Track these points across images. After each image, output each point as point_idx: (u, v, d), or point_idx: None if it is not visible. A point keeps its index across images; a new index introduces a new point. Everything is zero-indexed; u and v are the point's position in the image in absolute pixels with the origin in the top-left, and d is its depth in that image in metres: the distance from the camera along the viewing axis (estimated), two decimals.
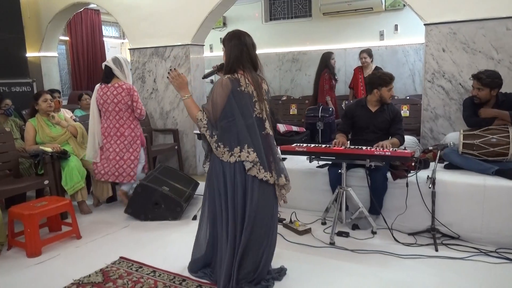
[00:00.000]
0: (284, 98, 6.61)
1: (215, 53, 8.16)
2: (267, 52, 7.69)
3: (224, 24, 7.97)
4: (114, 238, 3.30)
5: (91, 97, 5.52)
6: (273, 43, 7.63)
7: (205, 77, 2.78)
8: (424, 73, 4.02)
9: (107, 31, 9.20)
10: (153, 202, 3.61)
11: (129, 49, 5.66)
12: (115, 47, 9.54)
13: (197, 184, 4.16)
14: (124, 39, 9.55)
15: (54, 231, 3.42)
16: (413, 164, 3.26)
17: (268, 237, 2.39)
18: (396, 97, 5.40)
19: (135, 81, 5.54)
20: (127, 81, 3.92)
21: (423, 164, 3.29)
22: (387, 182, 3.24)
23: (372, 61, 5.51)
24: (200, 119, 2.29)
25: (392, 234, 3.09)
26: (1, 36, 5.57)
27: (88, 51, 8.40)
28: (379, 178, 3.21)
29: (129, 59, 5.32)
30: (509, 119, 3.12)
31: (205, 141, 2.38)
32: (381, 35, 6.72)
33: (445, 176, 3.10)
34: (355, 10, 6.67)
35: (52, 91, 4.74)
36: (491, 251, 2.81)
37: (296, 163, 3.81)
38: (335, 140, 3.34)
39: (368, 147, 3.10)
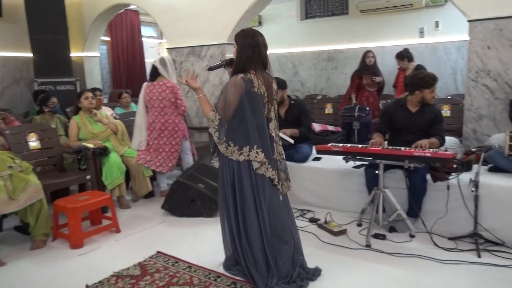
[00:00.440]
0: (319, 97, 6.54)
1: None
2: (302, 50, 7.65)
3: (260, 23, 7.98)
4: (151, 233, 3.39)
5: (130, 95, 5.75)
6: (308, 41, 7.57)
7: (211, 69, 2.79)
8: (467, 72, 3.86)
9: (145, 31, 9.44)
10: (189, 199, 3.68)
11: (167, 48, 5.79)
12: (153, 47, 9.77)
13: None
14: (161, 39, 9.78)
15: (95, 224, 3.55)
16: (454, 166, 3.14)
17: (289, 230, 2.44)
18: (436, 97, 5.22)
19: None
20: (171, 80, 4.13)
21: (465, 166, 3.16)
22: (427, 184, 3.14)
23: (410, 61, 5.38)
24: (212, 119, 2.32)
25: (432, 238, 2.98)
26: (47, 37, 5.84)
27: (128, 51, 8.65)
28: (418, 180, 3.11)
29: None
30: None
31: (212, 140, 2.39)
32: (421, 32, 6.51)
33: (489, 179, 2.97)
34: (394, 7, 6.51)
35: (93, 90, 4.94)
36: None
37: (331, 163, 3.76)
38: (372, 140, 3.28)
39: (407, 148, 3.02)
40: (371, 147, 3.13)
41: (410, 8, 6.43)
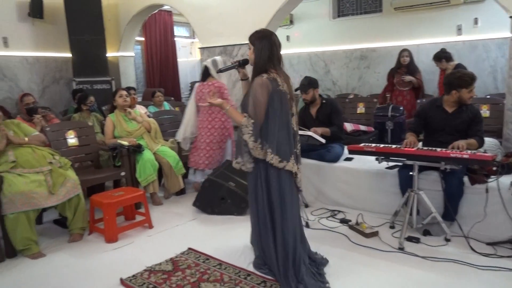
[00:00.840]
0: (351, 96, 6.44)
1: (282, 50, 8.14)
2: (334, 49, 7.54)
3: (291, 22, 7.94)
4: (182, 229, 3.45)
5: (163, 94, 5.88)
6: (340, 40, 7.46)
7: (220, 71, 2.77)
8: (508, 70, 3.70)
9: (178, 31, 9.60)
10: (219, 197, 3.72)
11: (199, 48, 5.86)
12: (185, 47, 9.92)
13: None
14: (194, 38, 9.91)
15: (129, 219, 3.65)
16: (494, 168, 3.02)
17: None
18: (475, 96, 5.03)
19: None
20: (220, 80, 4.26)
21: (505, 168, 3.02)
22: (464, 187, 3.03)
23: (448, 61, 5.22)
24: (246, 125, 2.33)
25: (469, 243, 2.88)
26: (85, 37, 6.05)
27: (161, 50, 8.83)
28: (455, 182, 3.01)
29: (198, 58, 5.51)
30: None
31: (246, 147, 2.37)
32: (459, 29, 6.27)
33: None
34: (430, 3, 6.30)
35: (128, 88, 5.07)
36: None
37: (363, 164, 3.70)
38: (405, 140, 3.19)
39: (443, 149, 2.92)
40: (405, 147, 3.05)
41: (447, 4, 6.21)
